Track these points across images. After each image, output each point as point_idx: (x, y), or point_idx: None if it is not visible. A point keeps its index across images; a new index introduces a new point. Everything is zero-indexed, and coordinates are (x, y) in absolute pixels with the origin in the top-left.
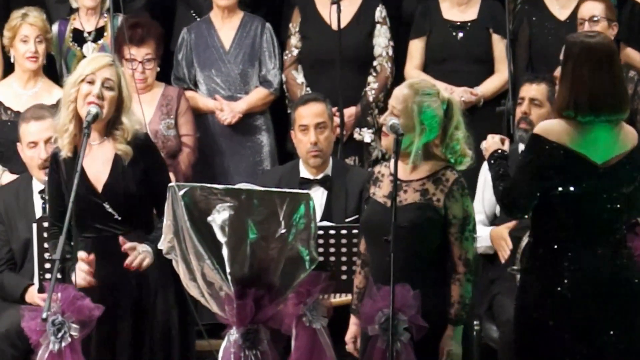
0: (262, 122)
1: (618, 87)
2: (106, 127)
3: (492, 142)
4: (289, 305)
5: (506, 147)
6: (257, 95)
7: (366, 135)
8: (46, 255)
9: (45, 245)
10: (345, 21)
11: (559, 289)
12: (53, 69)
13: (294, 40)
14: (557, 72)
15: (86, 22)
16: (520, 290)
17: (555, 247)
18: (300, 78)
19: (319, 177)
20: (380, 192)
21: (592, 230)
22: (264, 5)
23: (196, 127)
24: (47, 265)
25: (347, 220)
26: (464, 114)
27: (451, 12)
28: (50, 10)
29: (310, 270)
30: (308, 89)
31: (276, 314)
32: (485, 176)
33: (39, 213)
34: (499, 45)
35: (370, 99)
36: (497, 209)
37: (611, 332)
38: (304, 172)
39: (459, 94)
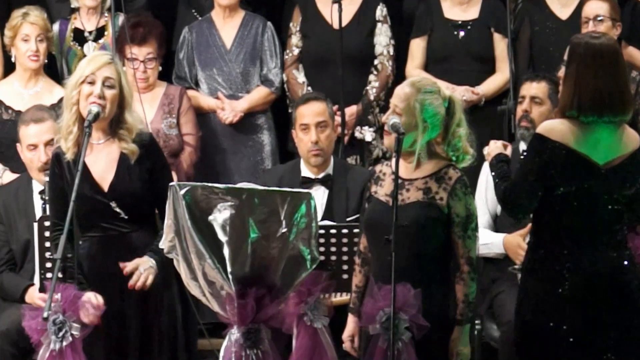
0: (263, 121)
1: (622, 88)
2: (110, 126)
3: (494, 147)
4: (290, 304)
5: (508, 152)
6: (258, 94)
7: (367, 134)
8: (47, 254)
9: (47, 244)
10: (346, 20)
11: (559, 289)
12: (54, 68)
13: (295, 40)
14: (561, 72)
15: (87, 22)
16: (521, 290)
17: (556, 247)
18: (301, 77)
19: (320, 176)
20: (382, 191)
21: (593, 230)
22: (265, 4)
23: (198, 126)
24: (49, 265)
25: (348, 219)
26: (465, 111)
27: (452, 11)
28: (51, 10)
29: (311, 270)
30: (309, 88)
31: (277, 313)
32: (486, 176)
33: (39, 213)
34: (500, 45)
35: (371, 97)
36: (499, 209)
37: (611, 333)
38: (305, 171)
39: (460, 93)
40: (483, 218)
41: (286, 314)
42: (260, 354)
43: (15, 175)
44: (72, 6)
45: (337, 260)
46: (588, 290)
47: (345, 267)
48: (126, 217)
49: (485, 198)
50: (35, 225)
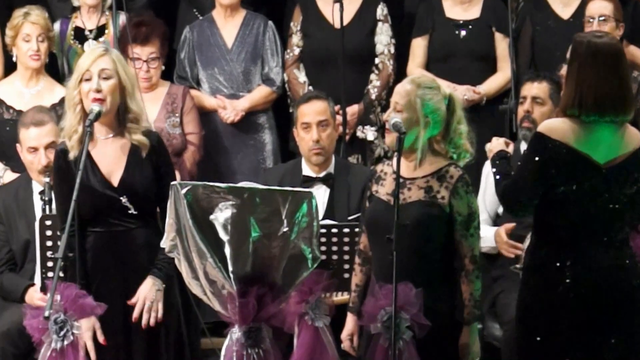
0: (264, 121)
1: (624, 88)
2: (116, 118)
3: (496, 144)
4: (291, 303)
5: (510, 149)
6: (259, 93)
7: (369, 133)
8: (49, 253)
9: (48, 243)
10: (346, 19)
11: (560, 288)
12: (55, 68)
13: (296, 39)
14: (563, 70)
15: (87, 20)
16: (523, 289)
17: (558, 246)
18: (302, 77)
19: (322, 175)
20: (383, 190)
21: (594, 230)
22: (266, 3)
23: (201, 125)
24: (50, 264)
25: (350, 218)
26: (465, 109)
27: (454, 10)
28: (52, 9)
29: (312, 269)
30: (310, 87)
31: (278, 312)
32: (487, 175)
33: (39, 213)
34: (502, 44)
35: (373, 96)
36: (500, 209)
37: (612, 332)
38: (307, 170)
39: (462, 93)
40: (481, 217)
41: (287, 313)
42: (261, 353)
43: (16, 175)
44: (74, 5)
45: (338, 260)
46: (589, 289)
47: (346, 266)
48: (135, 212)
49: (484, 197)
50: (37, 224)
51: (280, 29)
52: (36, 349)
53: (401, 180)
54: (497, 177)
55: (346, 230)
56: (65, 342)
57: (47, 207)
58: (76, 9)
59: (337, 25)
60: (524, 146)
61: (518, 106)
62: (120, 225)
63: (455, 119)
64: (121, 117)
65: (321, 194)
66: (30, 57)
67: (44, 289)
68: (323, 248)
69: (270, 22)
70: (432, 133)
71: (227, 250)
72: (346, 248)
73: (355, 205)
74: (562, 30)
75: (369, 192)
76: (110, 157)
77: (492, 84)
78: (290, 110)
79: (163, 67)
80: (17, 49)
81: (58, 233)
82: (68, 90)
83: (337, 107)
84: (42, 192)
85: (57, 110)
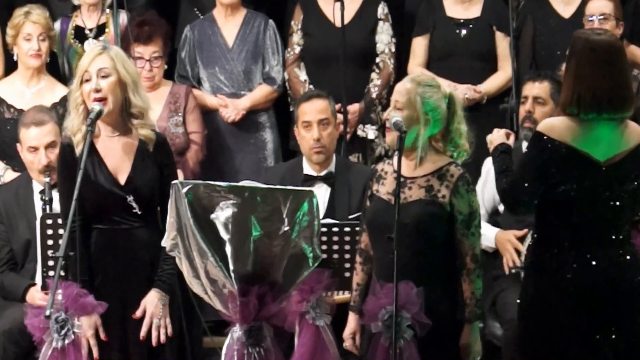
0: (265, 119)
1: (622, 85)
2: (121, 115)
3: (497, 136)
4: (292, 302)
5: (511, 141)
6: (260, 92)
7: (370, 132)
8: (50, 252)
9: (49, 242)
10: (347, 18)
11: (561, 286)
12: (56, 67)
13: (296, 38)
14: (563, 67)
15: (88, 19)
16: (523, 288)
17: (558, 245)
18: (302, 75)
19: (322, 173)
20: (383, 189)
21: (595, 228)
22: (266, 2)
23: (204, 124)
24: (51, 263)
25: (351, 217)
26: (464, 109)
27: (454, 9)
28: (52, 8)
29: (313, 268)
30: (311, 86)
31: (279, 311)
32: (487, 172)
33: (39, 213)
34: (503, 43)
35: (374, 95)
36: (500, 206)
37: (613, 330)
38: (307, 169)
39: (463, 92)
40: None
41: (288, 312)
42: (262, 352)
43: (16, 174)
44: (74, 3)
45: (339, 258)
46: (591, 287)
47: (347, 265)
48: (139, 212)
49: (482, 194)
50: (38, 222)
51: (280, 27)
52: (37, 348)
53: (402, 179)
54: (497, 173)
55: (347, 229)
56: (67, 341)
57: (48, 206)
58: (76, 7)
59: (338, 24)
60: (525, 146)
61: (519, 106)
62: (123, 223)
63: (455, 118)
64: (126, 113)
65: (322, 193)
66: (31, 56)
67: (45, 288)
68: (324, 247)
69: (270, 21)
70: (432, 131)
71: (228, 249)
72: (347, 247)
73: (356, 204)
74: (563, 29)
75: (369, 191)
76: (117, 155)
77: (492, 83)
78: (291, 109)
79: (166, 67)
80: (18, 48)
81: (59, 232)
82: (71, 92)
83: (337, 106)
84: (42, 192)
85: (57, 109)
